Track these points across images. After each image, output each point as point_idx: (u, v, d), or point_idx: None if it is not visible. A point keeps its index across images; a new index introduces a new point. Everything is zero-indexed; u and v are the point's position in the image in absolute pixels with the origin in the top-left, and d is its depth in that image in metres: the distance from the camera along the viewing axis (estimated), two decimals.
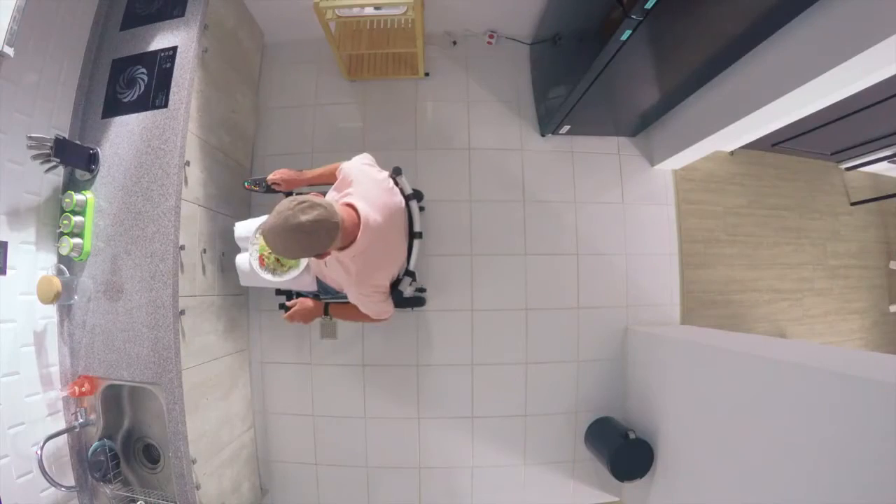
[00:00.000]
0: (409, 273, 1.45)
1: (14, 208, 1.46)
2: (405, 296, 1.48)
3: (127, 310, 1.57)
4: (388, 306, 1.42)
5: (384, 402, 2.28)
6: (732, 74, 1.77)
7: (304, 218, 1.06)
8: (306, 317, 1.53)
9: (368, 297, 1.36)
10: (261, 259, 1.61)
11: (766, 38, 1.57)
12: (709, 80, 1.85)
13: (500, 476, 2.29)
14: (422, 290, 1.51)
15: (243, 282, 1.71)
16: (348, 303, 1.51)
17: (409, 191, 1.47)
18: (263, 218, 1.60)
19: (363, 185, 1.31)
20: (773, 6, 1.41)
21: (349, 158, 2.34)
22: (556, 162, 2.41)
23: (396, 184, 1.46)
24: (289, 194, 1.66)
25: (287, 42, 2.45)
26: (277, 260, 1.59)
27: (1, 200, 1.41)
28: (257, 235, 1.61)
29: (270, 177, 1.61)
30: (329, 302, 1.55)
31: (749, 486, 1.42)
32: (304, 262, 1.59)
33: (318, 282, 1.63)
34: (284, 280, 1.59)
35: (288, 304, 1.56)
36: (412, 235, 1.47)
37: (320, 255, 1.18)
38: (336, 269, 1.37)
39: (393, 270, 1.40)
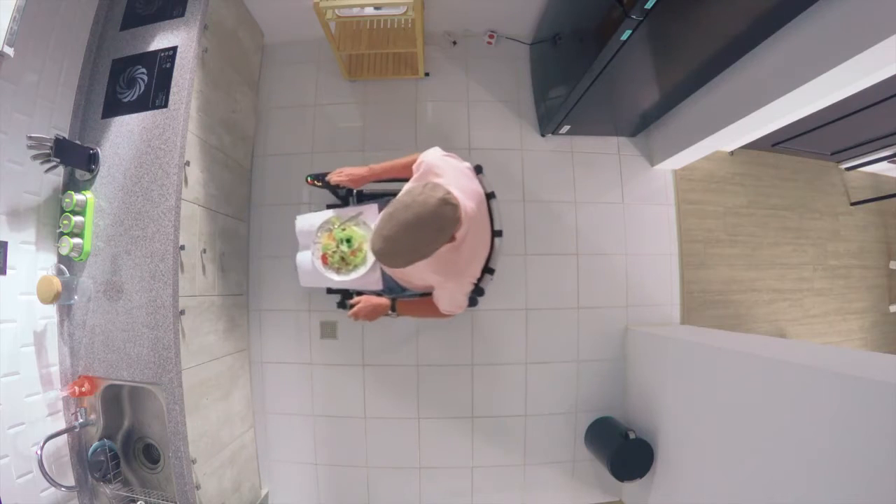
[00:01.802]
0: (490, 270, 1.39)
1: (14, 208, 1.46)
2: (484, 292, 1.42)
3: (127, 310, 1.57)
4: (467, 299, 1.36)
5: (384, 402, 2.28)
6: (732, 74, 1.77)
7: (445, 207, 0.97)
8: (372, 314, 1.44)
9: (463, 288, 1.28)
10: (324, 258, 1.52)
11: (766, 38, 1.57)
12: (709, 80, 1.85)
13: (500, 476, 2.29)
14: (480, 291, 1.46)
15: (304, 282, 1.61)
16: (416, 299, 1.48)
17: (489, 189, 1.41)
18: (325, 213, 1.56)
19: (451, 174, 1.23)
20: (772, 6, 1.41)
21: (349, 158, 2.35)
22: (556, 162, 2.41)
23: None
24: (351, 192, 1.61)
25: (287, 42, 2.45)
26: (342, 258, 1.51)
27: (1, 200, 1.41)
28: (320, 234, 1.54)
29: (334, 178, 1.51)
30: (396, 298, 1.49)
31: (749, 485, 1.42)
32: (370, 259, 1.51)
33: (385, 279, 1.55)
34: (350, 279, 1.51)
35: (352, 301, 1.47)
36: (493, 233, 1.40)
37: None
38: (424, 263, 1.22)
39: (482, 262, 1.34)
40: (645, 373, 2.15)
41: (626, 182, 2.43)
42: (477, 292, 1.38)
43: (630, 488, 2.18)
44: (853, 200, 2.93)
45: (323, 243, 1.53)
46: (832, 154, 2.78)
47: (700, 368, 1.73)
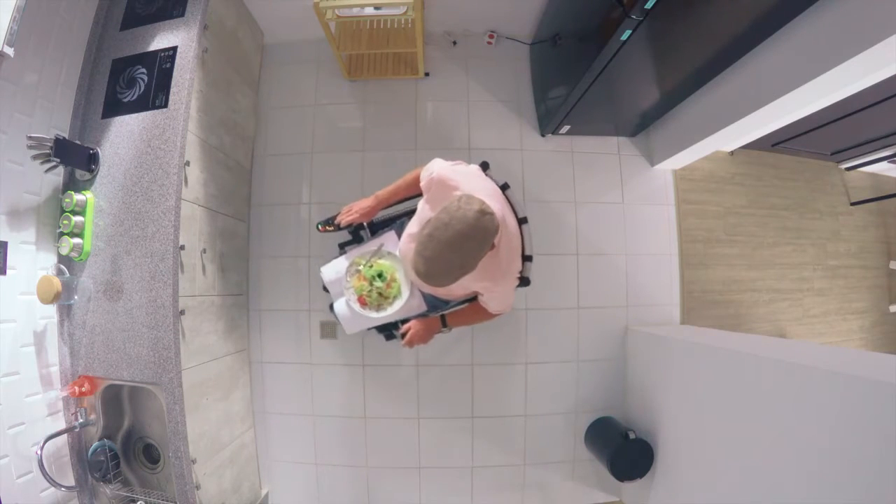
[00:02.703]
0: (528, 258, 1.37)
1: (14, 208, 1.46)
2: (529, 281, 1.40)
3: (127, 310, 1.57)
4: (514, 294, 1.34)
5: (384, 402, 2.28)
6: (732, 74, 1.77)
7: (484, 217, 0.95)
8: (426, 336, 1.43)
9: (511, 285, 1.27)
10: (361, 300, 1.47)
11: (766, 38, 1.57)
12: (709, 80, 1.85)
13: (500, 476, 2.29)
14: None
15: (349, 330, 1.56)
16: (464, 308, 1.47)
17: (501, 182, 1.40)
18: (347, 256, 1.53)
19: (468, 182, 1.20)
20: (772, 6, 1.41)
21: (349, 158, 2.34)
22: (556, 162, 2.41)
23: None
24: (362, 225, 1.58)
25: (287, 42, 2.45)
26: (379, 294, 1.46)
27: (1, 200, 1.41)
28: (349, 278, 1.49)
29: (345, 219, 1.49)
30: (444, 313, 1.47)
31: (749, 485, 1.42)
32: (406, 287, 1.48)
33: (426, 299, 1.53)
34: (393, 312, 1.48)
35: (401, 330, 1.47)
36: (519, 222, 1.38)
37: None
38: (469, 276, 1.17)
39: (520, 255, 1.32)
40: (645, 373, 2.15)
41: (626, 182, 2.43)
42: (524, 283, 1.36)
43: (630, 488, 2.18)
44: (853, 200, 2.93)
45: (355, 286, 1.48)
46: (832, 154, 2.78)
47: (700, 368, 1.73)
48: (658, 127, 2.35)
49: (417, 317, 1.51)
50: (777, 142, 2.59)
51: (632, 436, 2.01)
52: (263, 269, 2.33)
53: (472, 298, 1.47)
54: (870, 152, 2.69)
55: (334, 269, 1.54)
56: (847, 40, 1.30)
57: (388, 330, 1.61)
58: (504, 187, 1.39)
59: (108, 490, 1.62)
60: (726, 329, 2.49)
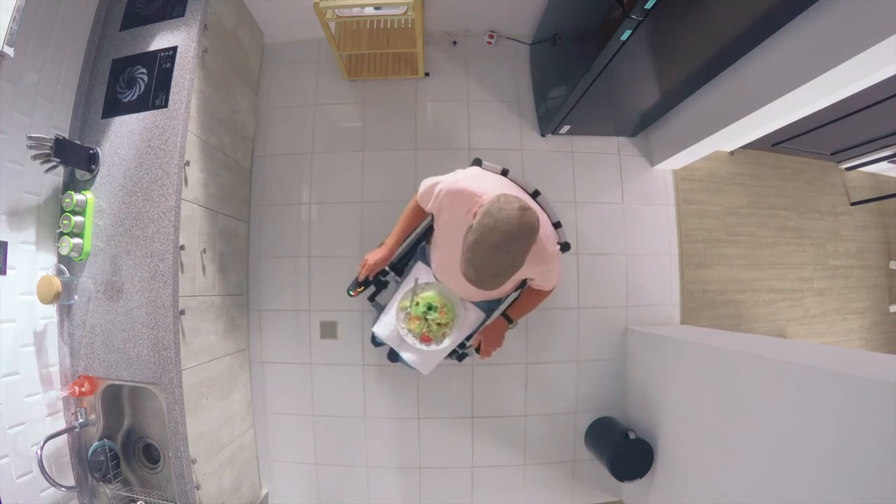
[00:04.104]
0: (557, 224, 1.37)
1: (14, 208, 1.46)
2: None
3: (127, 310, 1.57)
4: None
5: (384, 402, 2.28)
6: (732, 74, 1.77)
7: (527, 213, 0.96)
8: (498, 340, 1.46)
9: (557, 258, 1.26)
10: (424, 338, 1.47)
11: (766, 38, 1.57)
12: (709, 80, 1.85)
13: (500, 476, 2.29)
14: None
15: (428, 371, 1.54)
16: (521, 299, 1.47)
17: (500, 169, 1.41)
18: (391, 307, 1.52)
19: (482, 184, 1.19)
20: (772, 6, 1.41)
21: (349, 158, 2.33)
22: (556, 162, 2.41)
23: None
24: (384, 271, 1.57)
25: (287, 42, 2.45)
26: (438, 325, 1.47)
27: (1, 200, 1.41)
28: (403, 325, 1.49)
29: (364, 275, 1.48)
30: (506, 312, 1.48)
31: (749, 485, 1.42)
32: (459, 307, 1.49)
33: (481, 307, 1.53)
34: (458, 335, 1.49)
35: (472, 344, 1.48)
36: (533, 196, 1.39)
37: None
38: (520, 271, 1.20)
39: (550, 226, 1.31)
40: (645, 373, 2.15)
41: (626, 182, 2.43)
42: (565, 248, 1.36)
43: (630, 488, 2.18)
44: (853, 200, 2.93)
45: (413, 329, 1.48)
46: (832, 154, 2.78)
47: (700, 368, 1.73)
48: (658, 127, 2.35)
49: (480, 327, 1.52)
50: (777, 142, 2.59)
51: (632, 436, 2.01)
52: (263, 269, 2.33)
53: (521, 285, 1.48)
54: (870, 152, 2.69)
55: (385, 325, 1.53)
56: (847, 40, 1.30)
57: (458, 351, 1.60)
58: (504, 173, 1.41)
59: (108, 490, 1.62)
60: (726, 329, 2.49)
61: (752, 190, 2.68)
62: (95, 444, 1.62)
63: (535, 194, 1.38)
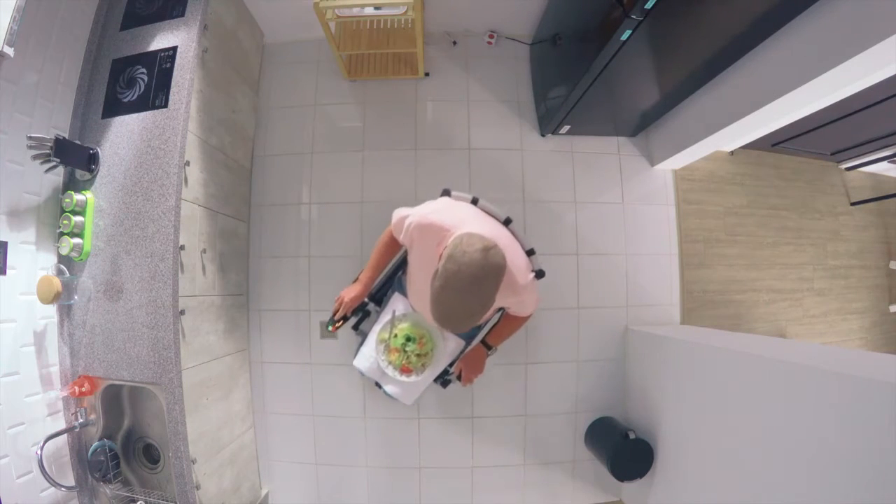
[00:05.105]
0: (531, 252, 1.35)
1: (14, 208, 1.46)
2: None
3: (127, 310, 1.57)
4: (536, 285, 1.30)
5: (384, 403, 2.28)
6: (732, 74, 1.77)
7: (490, 253, 0.94)
8: (479, 367, 1.47)
9: (532, 286, 1.23)
10: (405, 370, 1.46)
11: (766, 38, 1.57)
12: (709, 80, 1.85)
13: (500, 476, 2.29)
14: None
15: (411, 401, 1.54)
16: (499, 326, 1.47)
17: (469, 198, 1.39)
18: (370, 340, 1.51)
19: (451, 217, 1.16)
20: (772, 6, 1.41)
21: (349, 158, 2.32)
22: (556, 162, 2.41)
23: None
24: (364, 304, 1.57)
25: (287, 42, 2.45)
26: (418, 356, 1.46)
27: (1, 200, 1.41)
28: (383, 357, 1.48)
29: (342, 311, 1.47)
30: (484, 339, 1.48)
31: (749, 485, 1.42)
32: (437, 337, 1.48)
33: (461, 336, 1.52)
34: (439, 364, 1.49)
35: (454, 372, 1.48)
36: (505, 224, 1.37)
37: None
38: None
39: (524, 255, 1.27)
40: (645, 373, 2.15)
41: (626, 182, 2.43)
42: (539, 276, 1.34)
43: (630, 488, 2.18)
44: (853, 200, 2.93)
45: (393, 361, 1.47)
46: (832, 154, 2.78)
47: (700, 368, 1.73)
48: (658, 127, 2.35)
49: (460, 355, 1.52)
50: (777, 142, 2.59)
51: (632, 436, 2.01)
52: (263, 269, 2.33)
53: (499, 310, 1.48)
54: (870, 152, 2.69)
55: (365, 358, 1.52)
56: (847, 40, 1.30)
57: (441, 377, 1.60)
58: (474, 201, 1.38)
59: (108, 490, 1.62)
60: (726, 329, 2.49)
61: (752, 190, 2.68)
62: (95, 444, 1.62)
63: (506, 222, 1.36)
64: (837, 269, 2.83)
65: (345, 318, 1.50)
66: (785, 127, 2.05)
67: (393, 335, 1.47)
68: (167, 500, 1.63)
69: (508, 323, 1.44)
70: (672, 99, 2.05)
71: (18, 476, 1.41)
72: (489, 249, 0.96)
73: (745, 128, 1.87)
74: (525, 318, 1.41)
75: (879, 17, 1.20)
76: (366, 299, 1.56)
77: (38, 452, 1.40)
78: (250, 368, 2.29)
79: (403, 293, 1.53)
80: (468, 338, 1.55)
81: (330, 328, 1.50)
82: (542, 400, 2.30)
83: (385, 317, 1.51)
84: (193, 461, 1.61)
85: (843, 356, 1.36)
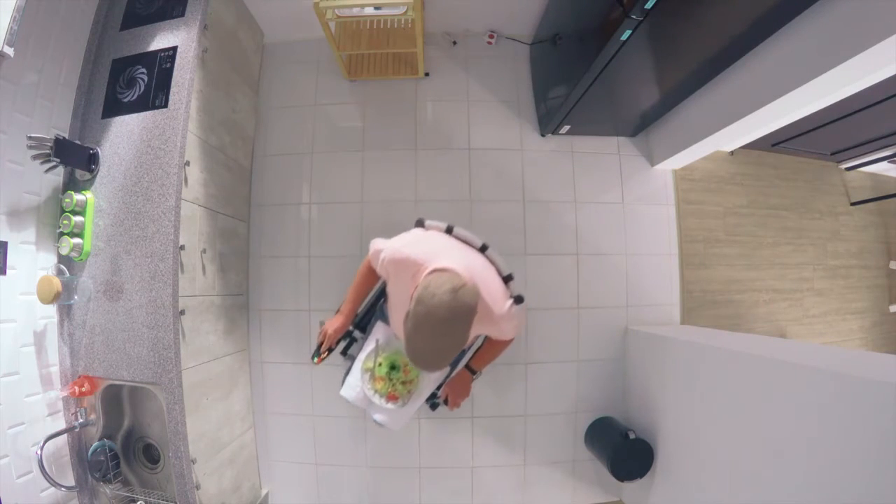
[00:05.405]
0: (509, 278, 1.32)
1: (14, 208, 1.46)
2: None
3: (127, 310, 1.57)
4: (518, 310, 1.28)
5: None
6: (732, 74, 1.77)
7: (459, 293, 0.92)
8: (465, 391, 1.48)
9: (511, 313, 1.20)
10: (391, 397, 1.45)
11: (766, 38, 1.57)
12: (709, 79, 1.85)
13: (500, 476, 2.29)
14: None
15: (399, 426, 1.53)
16: (482, 350, 1.48)
17: (444, 227, 1.38)
18: (355, 370, 1.51)
19: (421, 250, 1.15)
20: (773, 6, 1.41)
21: (348, 158, 2.31)
22: (556, 162, 2.41)
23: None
24: (349, 332, 1.58)
25: (287, 42, 2.45)
26: (403, 383, 1.45)
27: (1, 200, 1.41)
28: (369, 386, 1.47)
29: (327, 343, 1.48)
30: (468, 364, 1.49)
31: (749, 485, 1.42)
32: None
33: None
34: (425, 389, 1.49)
35: (441, 397, 1.49)
36: (481, 251, 1.35)
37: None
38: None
39: (500, 283, 1.26)
40: (645, 372, 2.15)
41: (626, 182, 2.43)
42: (518, 301, 1.31)
43: (630, 488, 2.18)
44: (853, 200, 2.93)
45: (378, 389, 1.46)
46: (832, 154, 2.78)
47: (700, 368, 1.73)
48: (658, 127, 2.35)
49: (446, 379, 1.53)
50: (777, 142, 2.59)
51: (632, 436, 2.01)
52: (263, 269, 2.33)
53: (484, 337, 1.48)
54: (870, 152, 2.69)
55: (351, 388, 1.52)
56: (847, 40, 1.30)
57: (430, 400, 1.60)
58: (449, 230, 1.36)
59: (108, 490, 1.62)
60: (726, 329, 2.49)
61: (752, 190, 2.68)
62: (95, 444, 1.62)
63: (483, 248, 1.34)
64: (837, 269, 2.83)
65: (330, 350, 1.51)
66: (785, 127, 2.05)
67: (377, 364, 1.47)
68: (167, 500, 1.63)
69: (491, 347, 1.45)
70: (672, 99, 2.05)
71: (18, 476, 1.41)
72: (457, 290, 0.94)
73: (745, 128, 1.87)
74: (508, 342, 1.40)
75: (879, 17, 1.20)
76: (350, 327, 1.57)
77: (38, 452, 1.40)
78: (250, 368, 2.29)
79: (386, 321, 1.53)
80: (452, 363, 1.53)
81: (315, 360, 1.50)
82: (542, 400, 2.30)
83: (369, 346, 1.52)
84: (193, 461, 1.61)
85: (843, 356, 1.36)
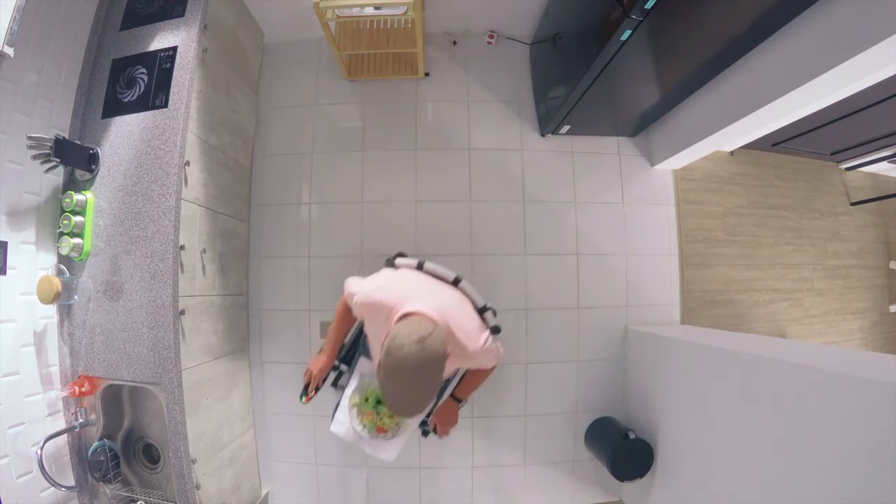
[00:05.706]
0: (484, 309, 1.33)
1: (14, 208, 1.46)
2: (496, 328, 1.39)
3: (127, 310, 1.57)
4: (495, 343, 1.29)
5: None
6: (732, 74, 1.77)
7: (427, 342, 0.94)
8: (452, 420, 1.51)
9: (486, 346, 1.21)
10: (380, 430, 1.45)
11: (766, 38, 1.57)
12: (709, 80, 1.85)
13: (500, 476, 2.29)
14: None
15: (391, 458, 1.51)
16: (466, 378, 1.49)
17: (415, 263, 1.38)
18: (343, 406, 1.51)
19: (391, 293, 1.16)
20: (772, 6, 1.41)
21: (348, 158, 2.31)
22: (556, 162, 2.41)
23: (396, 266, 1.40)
24: (336, 367, 1.59)
25: (287, 42, 2.45)
26: (390, 416, 1.45)
27: (1, 200, 1.41)
28: (357, 422, 1.47)
29: (314, 382, 1.50)
30: (454, 393, 1.51)
31: (749, 485, 1.42)
32: None
33: None
34: (410, 423, 1.49)
35: (430, 426, 1.51)
36: (454, 284, 1.36)
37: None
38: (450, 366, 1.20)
39: (474, 315, 1.27)
40: (645, 372, 2.15)
41: (626, 182, 2.43)
42: (495, 332, 1.33)
43: (630, 488, 2.18)
44: (853, 200, 2.93)
45: (367, 424, 1.47)
46: (832, 154, 2.78)
47: (700, 368, 1.73)
48: (658, 127, 2.35)
49: (433, 409, 1.54)
50: (777, 142, 2.59)
51: (632, 436, 2.01)
52: (263, 269, 2.33)
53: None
54: (870, 152, 2.70)
55: (340, 423, 1.52)
56: (847, 40, 1.30)
57: (421, 427, 1.61)
58: (420, 266, 1.36)
59: (108, 490, 1.62)
60: (726, 329, 2.49)
61: (752, 190, 2.68)
62: (95, 444, 1.62)
63: (455, 281, 1.34)
64: (837, 269, 2.83)
65: (317, 389, 1.53)
66: (785, 127, 2.05)
67: (364, 399, 1.47)
68: (167, 500, 1.63)
69: (472, 377, 1.47)
70: (672, 99, 2.05)
71: (18, 476, 1.41)
72: (424, 340, 0.94)
73: (745, 128, 1.87)
74: (489, 370, 1.41)
75: (879, 17, 1.20)
76: (336, 362, 1.58)
77: (38, 452, 1.40)
78: (250, 368, 2.29)
79: (369, 356, 1.53)
80: (439, 395, 1.55)
81: (303, 399, 1.51)
82: (542, 400, 2.30)
83: (354, 381, 1.52)
84: (193, 461, 1.61)
85: (842, 356, 1.36)
